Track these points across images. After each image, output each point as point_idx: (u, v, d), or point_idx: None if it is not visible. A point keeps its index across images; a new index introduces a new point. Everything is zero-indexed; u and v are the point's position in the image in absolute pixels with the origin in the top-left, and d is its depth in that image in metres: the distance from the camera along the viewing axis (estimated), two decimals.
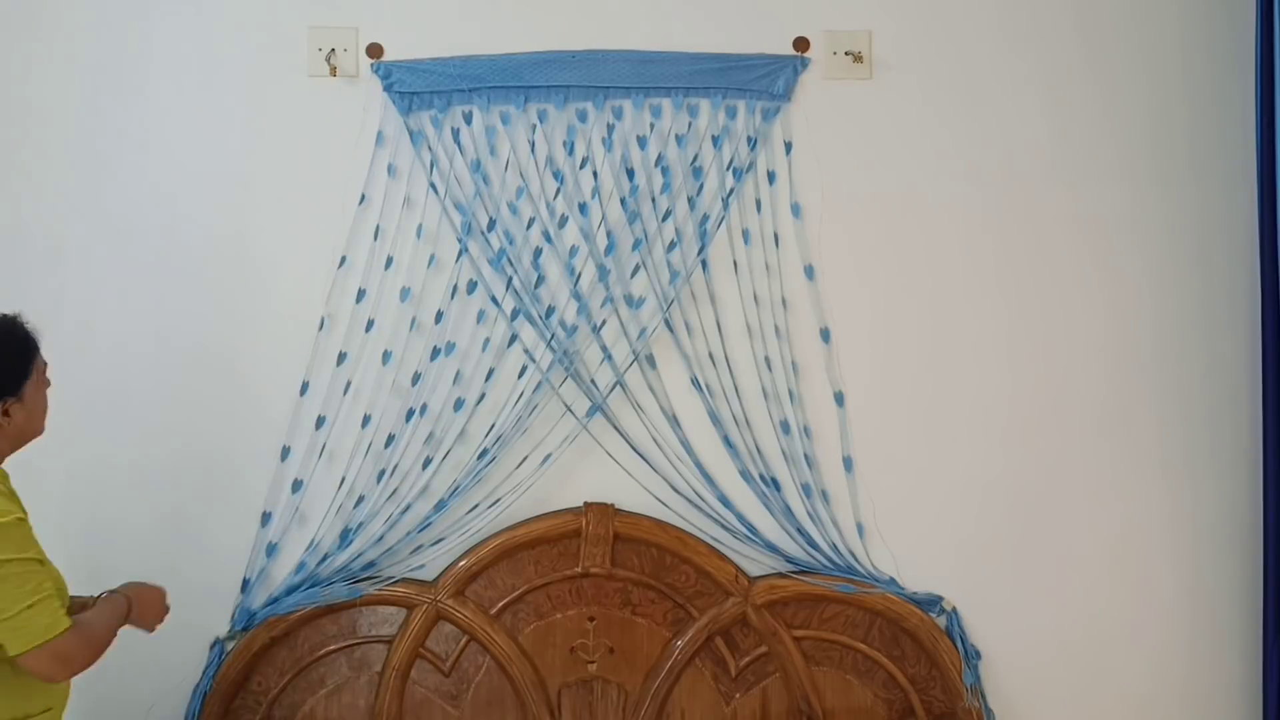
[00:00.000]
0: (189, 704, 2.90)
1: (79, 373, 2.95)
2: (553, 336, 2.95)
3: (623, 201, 2.97)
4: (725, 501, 2.98)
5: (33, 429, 2.33)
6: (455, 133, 2.96)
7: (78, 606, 2.30)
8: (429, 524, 2.94)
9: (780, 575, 2.98)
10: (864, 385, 3.01)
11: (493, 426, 2.95)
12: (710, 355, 2.99)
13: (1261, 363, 2.97)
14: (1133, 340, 3.06)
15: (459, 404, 2.95)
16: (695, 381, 2.97)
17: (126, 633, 2.94)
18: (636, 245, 2.96)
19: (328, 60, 2.96)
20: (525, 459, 2.95)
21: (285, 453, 2.94)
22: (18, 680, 2.14)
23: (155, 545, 2.96)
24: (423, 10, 2.99)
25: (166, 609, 2.47)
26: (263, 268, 2.97)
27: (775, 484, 2.99)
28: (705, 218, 2.98)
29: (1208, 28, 3.05)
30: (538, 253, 2.97)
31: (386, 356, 2.95)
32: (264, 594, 2.94)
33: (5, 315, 2.27)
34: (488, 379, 2.95)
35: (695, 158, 2.98)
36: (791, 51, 3.01)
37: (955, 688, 2.95)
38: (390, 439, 2.94)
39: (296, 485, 2.94)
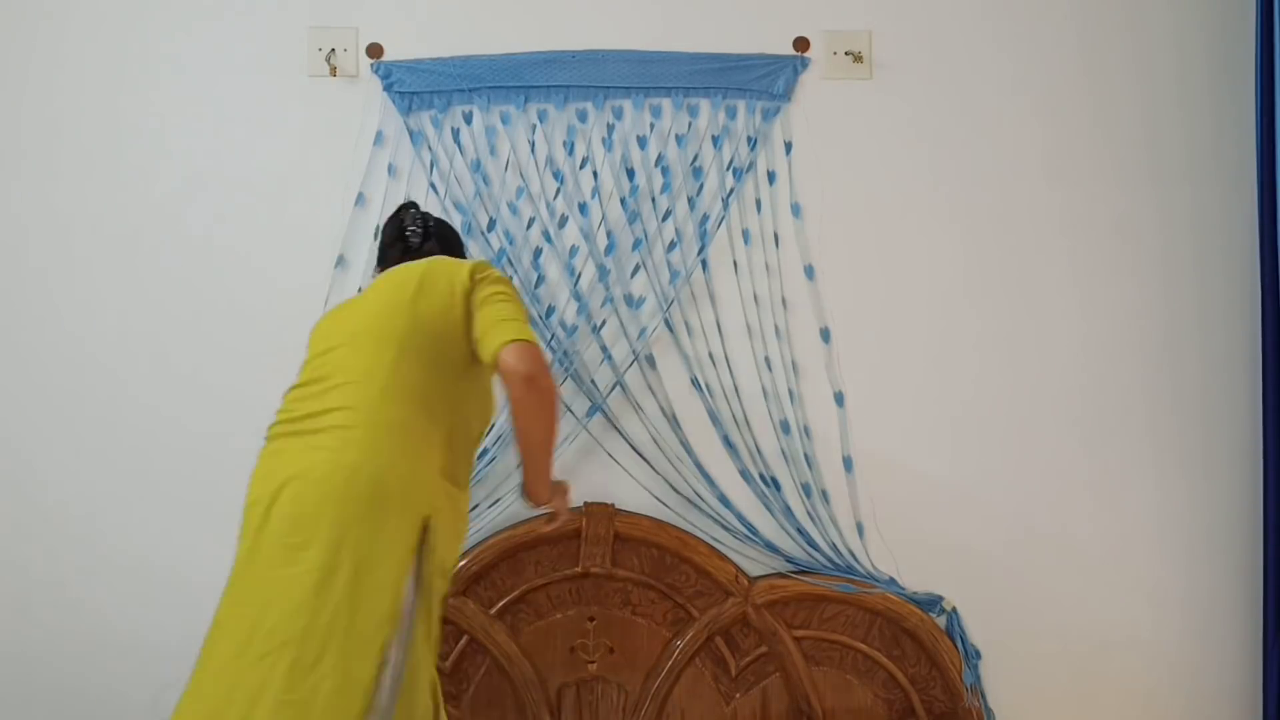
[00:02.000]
0: None
1: (80, 373, 2.96)
2: (552, 336, 2.95)
3: (623, 201, 2.97)
4: (725, 501, 2.98)
5: None
6: (455, 133, 2.96)
7: None
8: None
9: (780, 575, 2.98)
10: (864, 385, 3.01)
11: (493, 426, 2.95)
12: (710, 355, 2.99)
13: (1261, 363, 2.97)
14: (1133, 340, 3.06)
15: None
16: (695, 381, 2.97)
17: (125, 632, 2.96)
18: (636, 245, 2.97)
19: (328, 60, 2.96)
20: None
21: None
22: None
23: (156, 544, 2.96)
24: (423, 10, 2.99)
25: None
26: (263, 267, 2.97)
27: (775, 484, 2.98)
28: (705, 218, 2.98)
29: (1206, 29, 3.06)
30: (538, 253, 2.97)
31: None
32: None
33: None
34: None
35: (695, 158, 2.98)
36: (791, 51, 3.01)
37: (955, 688, 2.95)
38: None
39: None
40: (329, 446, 2.18)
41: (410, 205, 2.59)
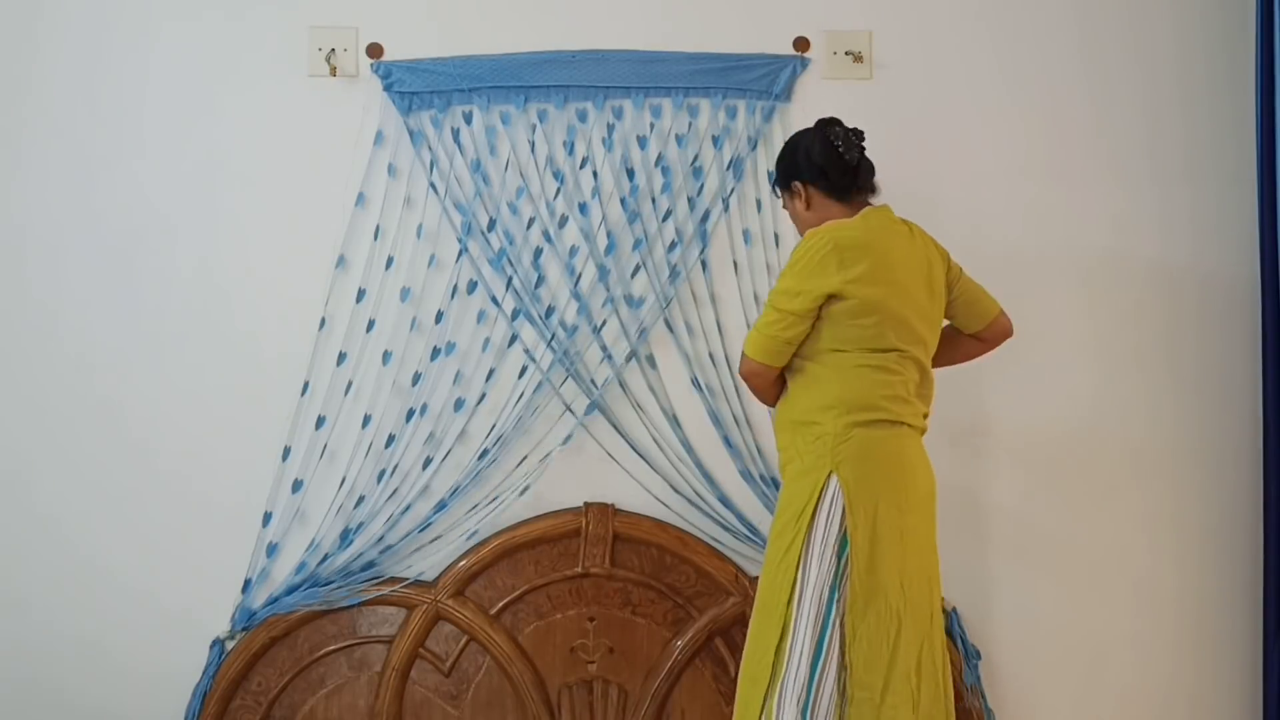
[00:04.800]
0: (189, 703, 2.90)
1: (80, 374, 2.96)
2: (553, 336, 2.95)
3: (623, 201, 2.97)
4: (725, 501, 2.98)
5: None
6: (455, 133, 2.96)
7: None
8: (429, 524, 2.94)
9: None
10: None
11: (493, 426, 2.95)
12: (710, 355, 2.99)
13: (1261, 363, 2.97)
14: (1133, 340, 3.05)
15: (459, 404, 2.95)
16: (695, 381, 2.97)
17: (127, 633, 2.96)
18: (637, 245, 2.97)
19: (328, 60, 2.96)
20: (525, 459, 2.96)
21: (286, 453, 2.94)
22: None
23: (157, 544, 2.96)
24: (422, 10, 2.99)
25: None
26: (263, 267, 2.97)
27: (775, 484, 2.98)
28: (706, 218, 2.98)
29: (1206, 29, 3.05)
30: (538, 253, 2.97)
31: (387, 357, 2.95)
32: (264, 594, 2.94)
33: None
34: (488, 379, 2.96)
35: (695, 158, 2.98)
36: (791, 51, 3.01)
37: (955, 688, 2.94)
38: (390, 439, 2.94)
39: (297, 485, 2.94)
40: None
41: (835, 122, 2.55)
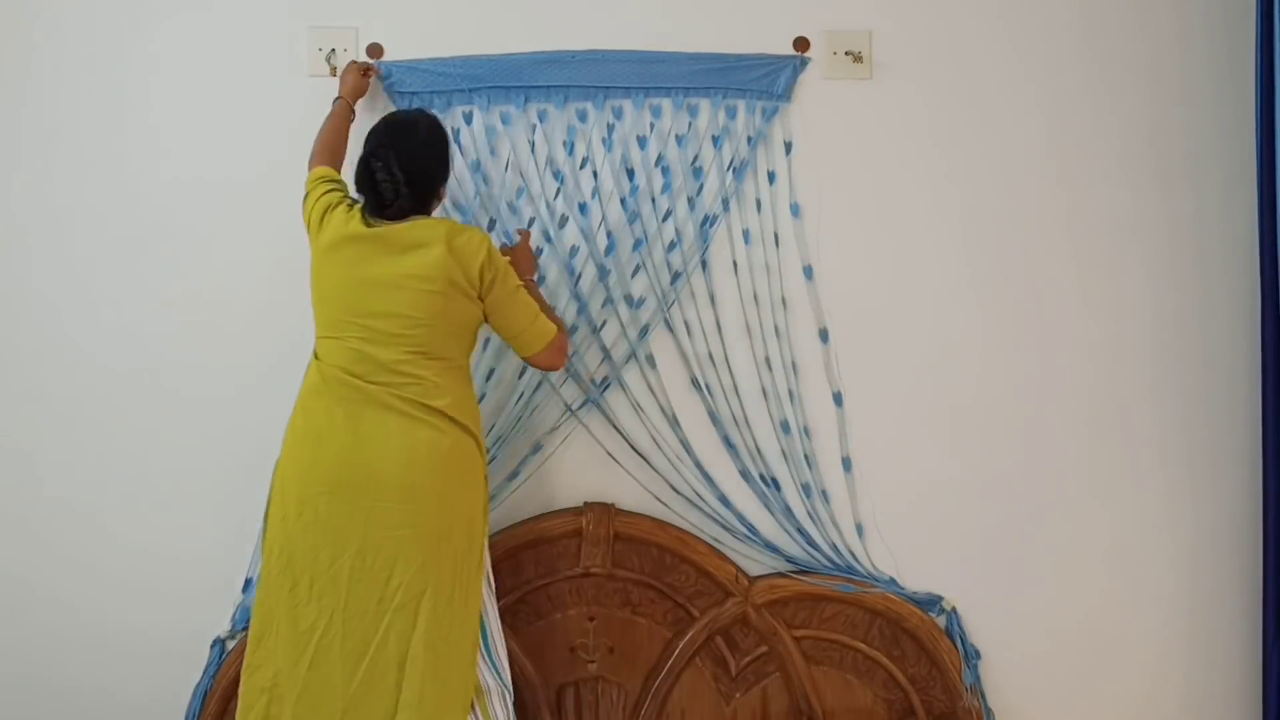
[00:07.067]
0: (190, 702, 2.90)
1: (80, 374, 2.97)
2: None
3: (623, 201, 2.97)
4: (725, 501, 2.98)
5: None
6: (455, 133, 2.96)
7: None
8: None
9: (780, 575, 2.98)
10: (863, 385, 3.01)
11: (493, 426, 2.95)
12: (710, 355, 2.99)
13: (1261, 363, 2.97)
14: (1132, 340, 3.05)
15: None
16: (695, 381, 2.98)
17: (127, 633, 2.97)
18: (637, 245, 2.97)
19: (328, 60, 2.97)
20: (525, 459, 2.95)
21: None
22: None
23: (157, 543, 2.97)
24: (423, 10, 2.99)
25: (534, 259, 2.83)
26: (263, 268, 2.98)
27: (775, 484, 2.99)
28: (705, 218, 2.98)
29: (1207, 28, 3.05)
30: (538, 253, 2.97)
31: None
32: None
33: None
34: (488, 379, 2.96)
35: (695, 158, 2.98)
36: (791, 51, 3.01)
37: (955, 688, 2.95)
38: None
39: None
40: None
41: (379, 152, 2.56)
